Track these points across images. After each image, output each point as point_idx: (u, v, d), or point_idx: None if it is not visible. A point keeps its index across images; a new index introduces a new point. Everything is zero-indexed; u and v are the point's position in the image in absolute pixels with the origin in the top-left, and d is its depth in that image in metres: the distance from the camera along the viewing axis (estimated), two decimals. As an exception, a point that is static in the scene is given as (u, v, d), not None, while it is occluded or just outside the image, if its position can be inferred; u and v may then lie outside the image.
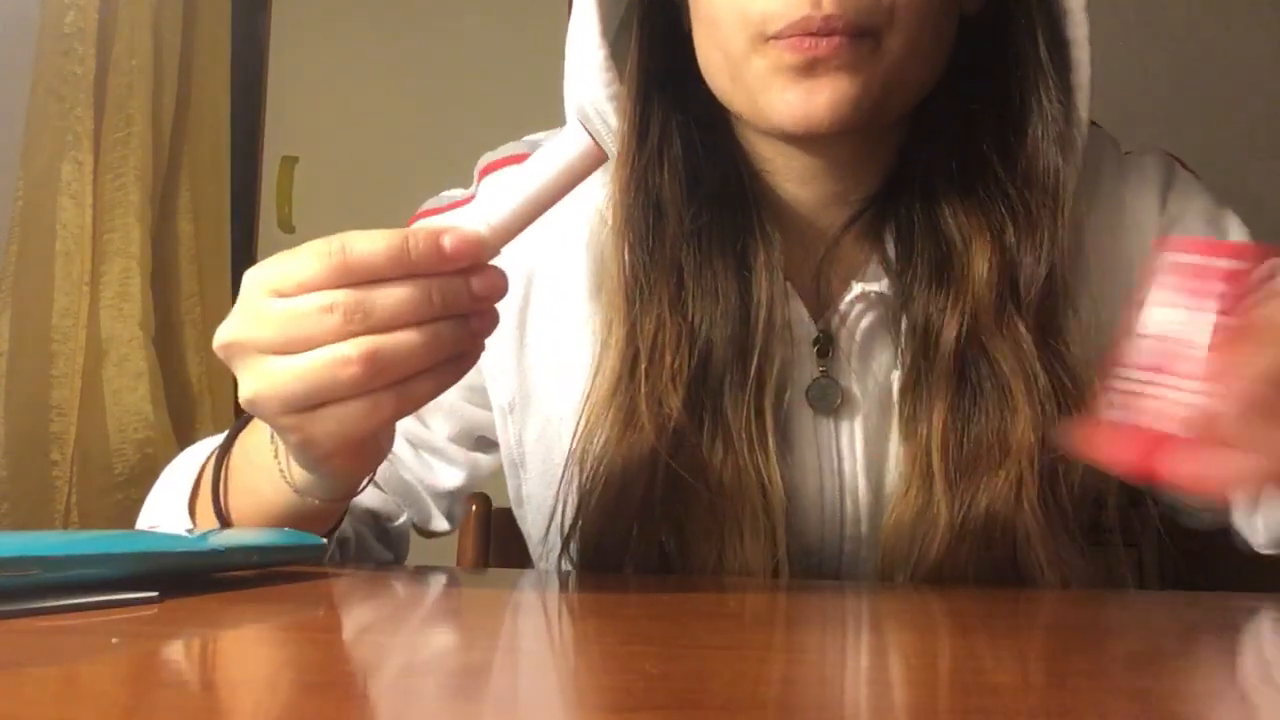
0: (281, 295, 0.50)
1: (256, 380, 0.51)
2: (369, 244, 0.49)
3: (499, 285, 0.51)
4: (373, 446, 0.56)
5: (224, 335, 0.52)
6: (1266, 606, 0.54)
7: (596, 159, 0.51)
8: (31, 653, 0.37)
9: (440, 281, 0.50)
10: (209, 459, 0.71)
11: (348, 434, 0.51)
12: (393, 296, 0.49)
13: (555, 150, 0.51)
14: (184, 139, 2.22)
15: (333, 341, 0.49)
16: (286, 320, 0.49)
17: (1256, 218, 0.75)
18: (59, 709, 0.30)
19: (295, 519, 0.64)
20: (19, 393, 1.93)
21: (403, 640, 0.45)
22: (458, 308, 0.50)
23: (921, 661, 0.42)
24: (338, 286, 0.49)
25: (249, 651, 0.42)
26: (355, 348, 0.49)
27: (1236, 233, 0.74)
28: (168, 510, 0.72)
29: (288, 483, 0.61)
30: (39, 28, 2.01)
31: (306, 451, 0.54)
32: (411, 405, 0.51)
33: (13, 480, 1.91)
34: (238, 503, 0.67)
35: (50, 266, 1.98)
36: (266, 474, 0.62)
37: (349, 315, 0.49)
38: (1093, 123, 0.72)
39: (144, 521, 0.75)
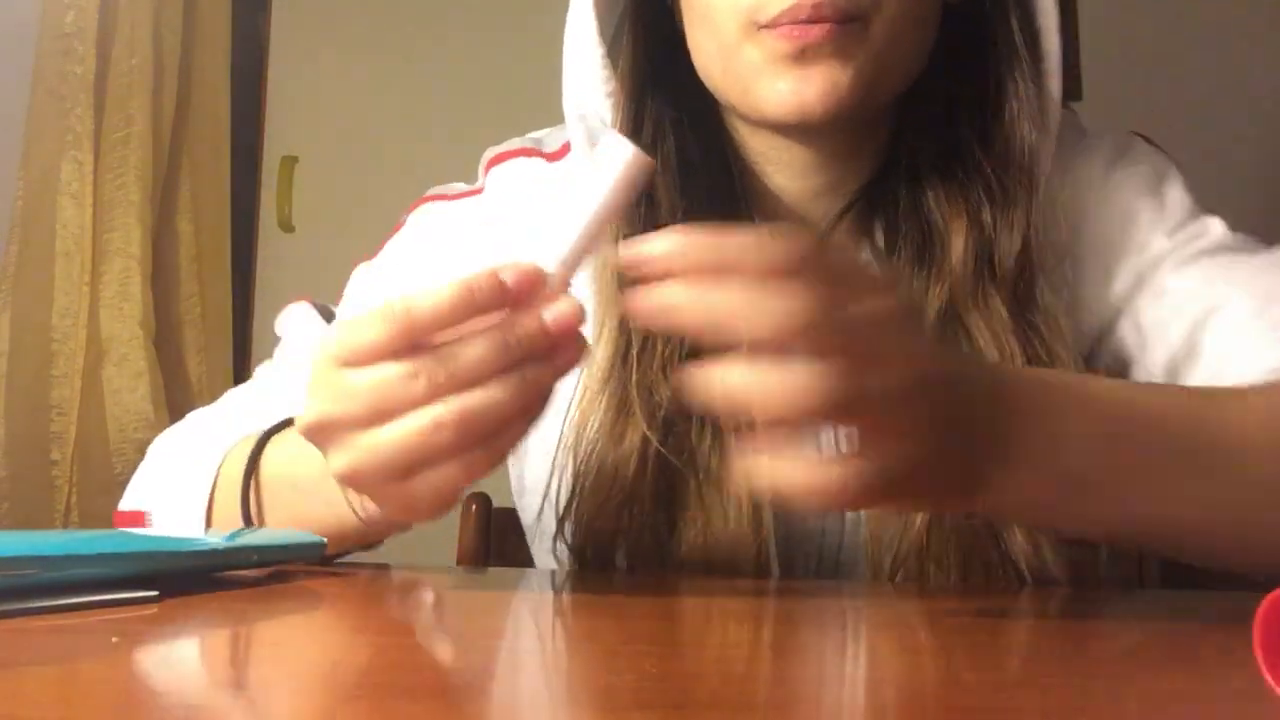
0: (353, 367, 0.49)
1: (352, 455, 0.50)
2: (431, 299, 0.48)
3: (572, 313, 0.50)
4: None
5: (309, 417, 0.51)
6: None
7: (647, 167, 0.49)
8: (31, 653, 0.37)
9: (514, 325, 0.49)
10: (223, 462, 0.70)
11: (446, 493, 0.51)
12: (472, 352, 0.48)
13: (602, 167, 0.49)
14: (184, 139, 2.22)
15: (421, 406, 0.48)
16: (370, 393, 0.49)
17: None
18: (59, 709, 0.30)
19: (353, 539, 0.64)
20: (19, 393, 1.93)
21: (402, 640, 0.45)
22: (537, 348, 0.49)
23: (919, 661, 0.42)
24: (408, 348, 0.48)
25: (248, 651, 0.42)
26: (447, 412, 0.48)
27: (1175, 196, 0.75)
28: (176, 509, 0.72)
29: (358, 514, 0.61)
30: (39, 28, 2.01)
31: (408, 515, 0.54)
32: (504, 455, 0.51)
33: (13, 480, 1.90)
34: (277, 521, 0.67)
35: (50, 266, 1.98)
36: (322, 501, 0.62)
37: (433, 379, 0.48)
38: (1066, 106, 0.74)
39: (132, 503, 0.74)
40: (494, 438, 0.50)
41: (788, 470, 0.44)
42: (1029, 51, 0.71)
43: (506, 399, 0.49)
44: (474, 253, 0.79)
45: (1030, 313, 0.69)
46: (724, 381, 0.44)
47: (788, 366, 0.43)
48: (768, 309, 0.43)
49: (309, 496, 0.63)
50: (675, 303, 0.44)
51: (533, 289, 0.49)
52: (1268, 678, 0.30)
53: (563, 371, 0.50)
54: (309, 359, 0.52)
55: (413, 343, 0.48)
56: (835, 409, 0.43)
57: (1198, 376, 0.70)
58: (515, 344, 0.48)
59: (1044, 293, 0.70)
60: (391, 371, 0.48)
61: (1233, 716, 0.34)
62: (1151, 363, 0.72)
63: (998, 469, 0.49)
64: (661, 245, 0.44)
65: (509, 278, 0.48)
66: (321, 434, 0.51)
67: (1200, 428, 0.54)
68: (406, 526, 0.64)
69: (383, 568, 0.72)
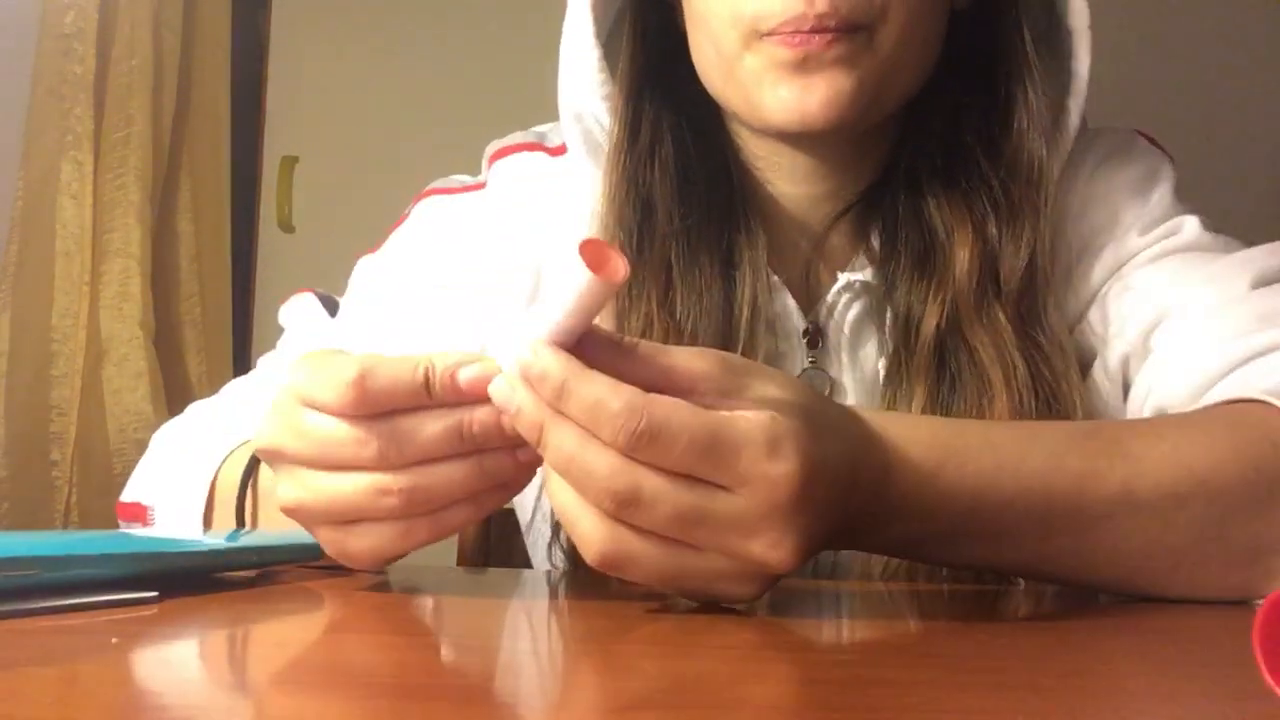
0: (311, 409, 0.49)
1: (297, 490, 0.51)
2: (387, 378, 0.47)
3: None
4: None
5: (264, 439, 0.51)
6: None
7: (608, 289, 0.45)
8: (31, 653, 0.37)
9: (472, 416, 0.48)
10: (224, 463, 0.70)
11: (381, 552, 0.51)
12: (428, 433, 0.48)
13: (564, 288, 0.45)
14: (184, 139, 2.22)
15: (371, 469, 0.48)
16: (324, 442, 0.49)
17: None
18: (59, 709, 0.30)
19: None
20: (19, 393, 1.93)
21: (402, 640, 0.45)
22: (494, 442, 0.48)
23: (916, 660, 0.42)
24: (361, 413, 0.48)
25: (248, 652, 0.42)
26: (395, 481, 0.48)
27: (1157, 195, 0.74)
28: (177, 507, 0.72)
29: None
30: (39, 28, 2.01)
31: (340, 559, 0.54)
32: (447, 531, 0.51)
33: (13, 480, 1.90)
34: (267, 526, 0.67)
35: (50, 266, 1.98)
36: None
37: (383, 452, 0.48)
38: None
39: (133, 495, 0.74)
40: (438, 514, 0.50)
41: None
42: (1043, 60, 0.71)
43: (457, 482, 0.49)
44: (477, 249, 0.79)
45: (1034, 329, 0.69)
46: (551, 495, 0.45)
47: (595, 522, 0.44)
48: (582, 474, 0.43)
49: None
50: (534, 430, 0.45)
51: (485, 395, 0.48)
52: (1268, 678, 0.30)
53: (524, 467, 0.49)
54: (281, 378, 0.52)
55: (364, 411, 0.48)
56: (632, 576, 0.45)
57: (1145, 376, 0.69)
58: (469, 434, 0.48)
59: (1049, 310, 0.69)
60: (344, 431, 0.48)
61: (1233, 716, 0.34)
62: (1110, 359, 0.71)
63: (837, 539, 0.50)
64: (539, 364, 0.44)
65: (465, 379, 0.47)
66: (272, 459, 0.52)
67: (1081, 488, 0.52)
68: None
69: (381, 569, 0.72)
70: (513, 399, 0.45)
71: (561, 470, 0.44)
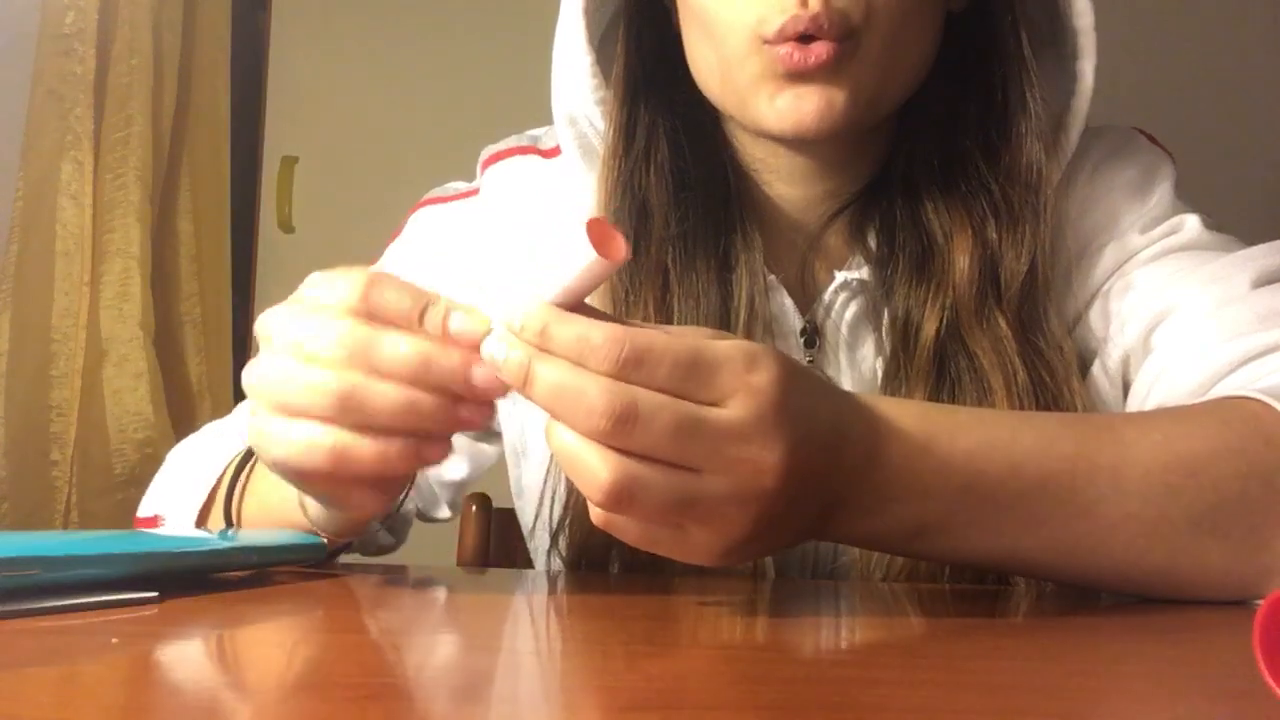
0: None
1: (261, 366, 0.51)
2: (397, 288, 0.49)
3: (498, 387, 0.48)
4: (372, 497, 0.54)
5: (260, 328, 0.53)
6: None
7: (610, 268, 0.46)
8: (31, 653, 0.37)
9: (440, 351, 0.48)
10: (226, 469, 0.71)
11: (315, 465, 0.50)
12: (392, 347, 0.48)
13: (567, 261, 0.46)
14: (184, 139, 2.22)
15: (336, 369, 0.48)
16: (312, 330, 0.49)
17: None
18: (59, 709, 0.30)
19: (349, 532, 0.64)
20: (19, 393, 1.93)
21: (402, 641, 0.45)
22: (449, 381, 0.48)
23: (917, 661, 0.42)
24: (359, 308, 0.49)
25: (248, 652, 0.42)
26: (335, 379, 0.48)
27: (1158, 195, 0.74)
28: (179, 509, 0.72)
29: (306, 518, 0.61)
30: (39, 28, 2.01)
31: (297, 481, 0.53)
32: (380, 463, 0.49)
33: (13, 480, 1.90)
34: (251, 514, 0.67)
35: (50, 266, 1.98)
36: (288, 504, 0.62)
37: (353, 352, 0.48)
38: None
39: (148, 509, 0.75)
40: (377, 438, 0.49)
41: (620, 524, 0.46)
42: (1045, 66, 0.71)
43: (393, 401, 0.48)
44: (474, 255, 0.79)
45: (1035, 335, 0.69)
46: (552, 440, 0.45)
47: (597, 454, 0.44)
48: (576, 402, 0.44)
49: (280, 496, 0.63)
50: (518, 372, 0.45)
51: (469, 346, 0.48)
52: (1268, 678, 0.30)
53: (461, 423, 0.49)
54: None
55: (364, 309, 0.48)
56: (640, 509, 0.45)
57: (1146, 374, 0.68)
58: (432, 363, 0.48)
59: (1050, 315, 0.69)
60: (330, 327, 0.49)
61: (1233, 716, 0.34)
62: (1110, 358, 0.71)
63: (831, 516, 0.51)
64: (521, 320, 0.45)
65: (455, 327, 0.48)
66: (263, 344, 0.52)
67: (1073, 471, 0.52)
68: (352, 536, 0.64)
69: (381, 569, 0.72)
70: (500, 350, 0.46)
71: (553, 403, 0.44)
